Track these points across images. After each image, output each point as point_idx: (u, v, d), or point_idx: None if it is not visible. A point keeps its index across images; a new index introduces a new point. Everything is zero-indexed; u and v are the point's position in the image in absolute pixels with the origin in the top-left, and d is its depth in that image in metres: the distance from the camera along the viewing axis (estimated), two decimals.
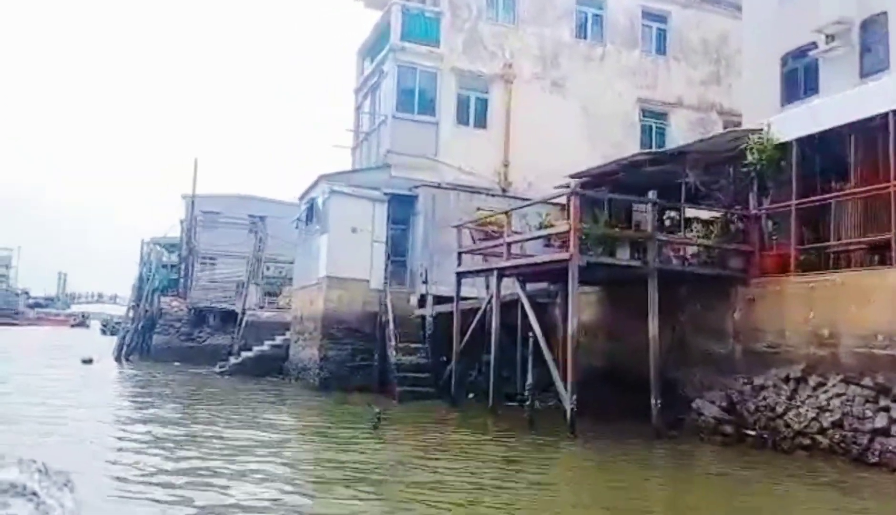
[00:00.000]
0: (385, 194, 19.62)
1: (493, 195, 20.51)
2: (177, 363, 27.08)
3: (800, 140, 12.70)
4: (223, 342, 28.27)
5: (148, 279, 31.81)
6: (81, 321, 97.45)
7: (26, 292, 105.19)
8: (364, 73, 24.36)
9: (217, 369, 23.58)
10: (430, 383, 17.29)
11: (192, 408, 15.38)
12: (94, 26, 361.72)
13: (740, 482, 9.45)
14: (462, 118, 21.26)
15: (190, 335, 28.29)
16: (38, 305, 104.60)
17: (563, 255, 12.53)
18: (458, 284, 16.77)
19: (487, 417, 14.67)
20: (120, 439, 10.66)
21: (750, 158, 13.22)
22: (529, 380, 13.26)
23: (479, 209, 19.80)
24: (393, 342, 17.82)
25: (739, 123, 24.14)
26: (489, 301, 15.82)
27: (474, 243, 19.15)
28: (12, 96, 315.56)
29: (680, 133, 23.35)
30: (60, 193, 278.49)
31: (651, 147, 23.07)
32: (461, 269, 16.67)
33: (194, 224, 31.38)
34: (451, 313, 18.07)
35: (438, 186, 19.78)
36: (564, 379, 12.75)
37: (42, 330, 70.86)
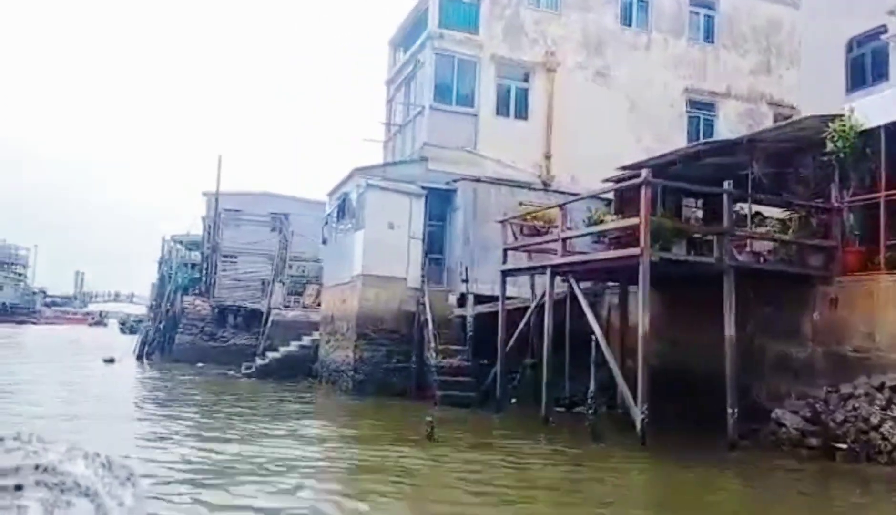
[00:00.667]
0: (422, 188, 18.62)
1: (535, 189, 19.48)
2: (199, 364, 26.21)
3: (888, 127, 11.61)
4: (247, 342, 27.38)
5: (170, 278, 30.98)
6: (99, 320, 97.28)
7: (43, 291, 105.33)
8: (396, 64, 23.40)
9: (243, 370, 22.67)
10: (472, 387, 16.28)
11: (223, 418, 14.42)
12: (113, 31, 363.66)
13: (855, 508, 8.36)
14: (502, 109, 20.24)
15: (213, 334, 27.40)
16: (55, 304, 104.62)
17: (633, 251, 11.45)
18: (504, 283, 15.76)
19: (540, 425, 13.63)
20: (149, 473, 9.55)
21: (830, 146, 12.12)
22: (592, 386, 12.17)
23: (521, 204, 18.80)
24: (432, 344, 16.81)
25: (790, 115, 22.96)
26: (541, 301, 14.78)
27: (516, 239, 18.15)
28: (32, 95, 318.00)
29: (728, 125, 22.23)
30: (78, 192, 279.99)
31: (698, 139, 21.92)
32: (507, 267, 15.64)
33: (218, 221, 30.46)
34: (493, 313, 17.08)
35: (479, 180, 18.77)
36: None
37: (60, 329, 70.44)
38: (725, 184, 12.03)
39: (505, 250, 15.78)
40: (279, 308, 26.97)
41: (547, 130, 20.42)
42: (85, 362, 27.23)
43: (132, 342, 46.69)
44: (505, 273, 15.74)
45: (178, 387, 19.49)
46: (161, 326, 28.17)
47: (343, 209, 20.17)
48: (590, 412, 12.14)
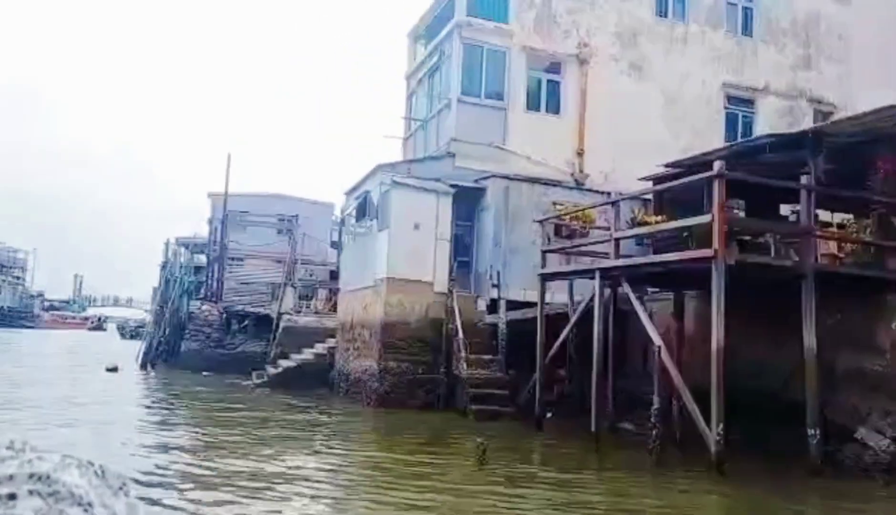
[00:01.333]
0: (450, 186, 17.42)
1: (569, 188, 18.30)
2: (206, 372, 24.96)
3: None
4: (257, 349, 26.15)
5: (175, 282, 29.74)
6: (98, 325, 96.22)
7: (42, 295, 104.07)
8: (417, 57, 22.24)
9: (254, 379, 21.42)
10: (507, 400, 15.07)
11: (239, 432, 13.18)
12: (114, 31, 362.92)
13: None
14: (533, 103, 19.07)
15: (221, 341, 26.15)
16: (53, 308, 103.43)
17: (705, 252, 10.24)
18: (543, 287, 14.54)
19: (591, 444, 12.41)
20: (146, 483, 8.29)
21: None
22: (655, 404, 10.92)
23: (555, 204, 17.61)
24: (463, 354, 15.59)
25: (831, 112, 21.83)
26: (586, 307, 13.57)
27: (549, 241, 16.99)
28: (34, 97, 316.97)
29: (767, 122, 21.06)
30: (76, 194, 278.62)
31: (737, 137, 20.82)
32: (549, 270, 14.43)
33: (226, 222, 29.23)
34: (527, 320, 15.91)
35: (510, 178, 17.56)
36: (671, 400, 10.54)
37: (59, 334, 69.20)
38: (804, 179, 10.85)
39: (544, 253, 14.57)
40: (290, 314, 25.73)
41: (579, 125, 19.24)
42: (86, 369, 25.98)
43: (133, 348, 45.50)
44: (545, 278, 14.53)
45: (185, 397, 18.25)
46: (166, 332, 26.91)
47: (364, 209, 18.95)
48: (654, 433, 10.89)
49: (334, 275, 35.02)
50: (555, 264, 16.55)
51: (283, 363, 21.95)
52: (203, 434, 12.56)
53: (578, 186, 18.68)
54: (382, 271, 16.84)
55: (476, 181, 17.93)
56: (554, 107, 19.28)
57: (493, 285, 16.89)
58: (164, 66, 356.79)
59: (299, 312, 26.26)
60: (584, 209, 15.26)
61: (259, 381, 21.06)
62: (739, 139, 20.64)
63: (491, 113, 18.60)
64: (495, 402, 14.90)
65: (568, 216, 15.38)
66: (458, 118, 18.27)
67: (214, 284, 29.21)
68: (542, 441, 12.99)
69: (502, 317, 16.11)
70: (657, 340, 11.42)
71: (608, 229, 15.97)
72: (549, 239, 17.08)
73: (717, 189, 10.16)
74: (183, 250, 37.98)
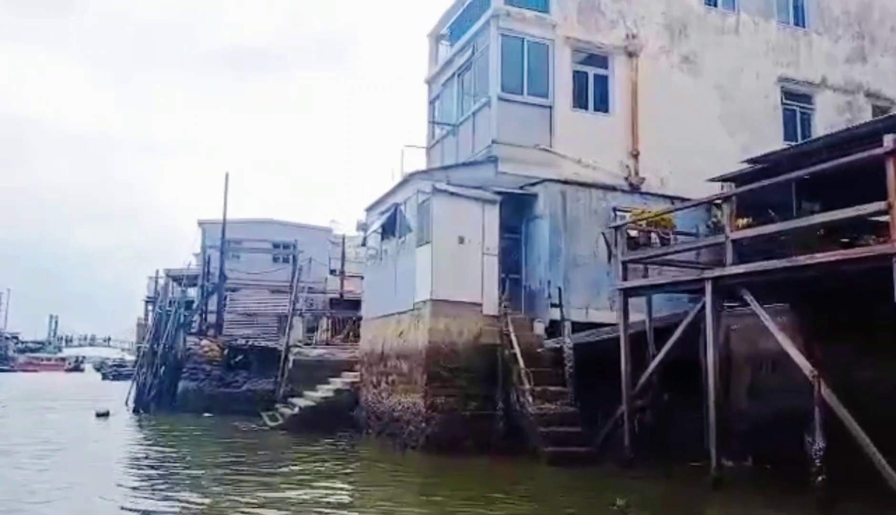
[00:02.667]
0: (497, 193, 15.28)
1: (627, 192, 16.26)
2: (208, 414, 22.40)
3: None
4: (263, 387, 23.61)
5: (167, 316, 27.14)
6: (76, 366, 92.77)
7: (16, 337, 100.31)
8: (439, 59, 20.20)
9: (269, 422, 18.92)
10: (583, 439, 12.79)
11: (277, 491, 10.74)
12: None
13: None
14: (580, 100, 17.02)
15: (223, 379, 23.58)
16: (28, 349, 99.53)
17: (882, 248, 8.11)
18: (625, 304, 12.37)
19: (707, 487, 10.21)
20: None
21: None
22: (819, 441, 8.69)
23: (615, 211, 15.55)
24: (527, 386, 13.30)
25: (889, 108, 20.08)
26: (688, 324, 11.41)
27: (611, 251, 14.92)
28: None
29: (826, 119, 19.27)
30: (49, 234, 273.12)
31: (796, 135, 19.04)
32: (632, 283, 12.27)
33: (225, 249, 26.79)
34: (599, 343, 13.76)
35: (567, 183, 15.46)
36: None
37: (35, 377, 65.59)
38: None
39: (625, 264, 12.42)
40: (299, 346, 23.29)
41: (631, 124, 17.23)
42: (72, 416, 23.27)
43: (118, 389, 42.44)
44: (627, 292, 12.36)
45: (193, 446, 15.73)
46: (160, 371, 24.28)
47: (393, 224, 16.70)
48: (815, 470, 8.66)
49: (335, 303, 32.73)
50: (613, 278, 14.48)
51: (299, 402, 19.48)
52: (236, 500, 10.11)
53: (634, 190, 16.62)
54: (425, 292, 14.56)
55: (522, 188, 15.79)
56: (602, 105, 17.27)
57: (553, 305, 14.67)
58: (139, 112, 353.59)
59: (309, 344, 23.83)
60: (662, 214, 13.18)
61: (275, 423, 18.58)
62: (800, 138, 18.86)
63: (535, 112, 16.53)
64: (571, 442, 12.60)
65: (643, 222, 13.29)
66: (500, 118, 16.17)
67: (212, 317, 26.75)
68: (659, 490, 10.71)
69: (568, 341, 13.86)
70: (805, 365, 9.21)
71: (694, 234, 13.96)
72: (610, 249, 15.06)
73: (892, 169, 8.06)
74: (173, 282, 35.46)
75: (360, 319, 26.63)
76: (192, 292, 35.19)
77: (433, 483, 11.81)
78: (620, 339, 12.30)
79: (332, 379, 20.87)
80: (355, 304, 30.58)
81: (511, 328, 14.13)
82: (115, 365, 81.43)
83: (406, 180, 15.99)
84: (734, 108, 18.46)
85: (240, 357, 23.55)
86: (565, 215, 15.07)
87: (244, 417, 21.11)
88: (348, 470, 13.18)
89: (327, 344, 23.84)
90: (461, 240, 14.73)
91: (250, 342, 23.89)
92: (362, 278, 38.64)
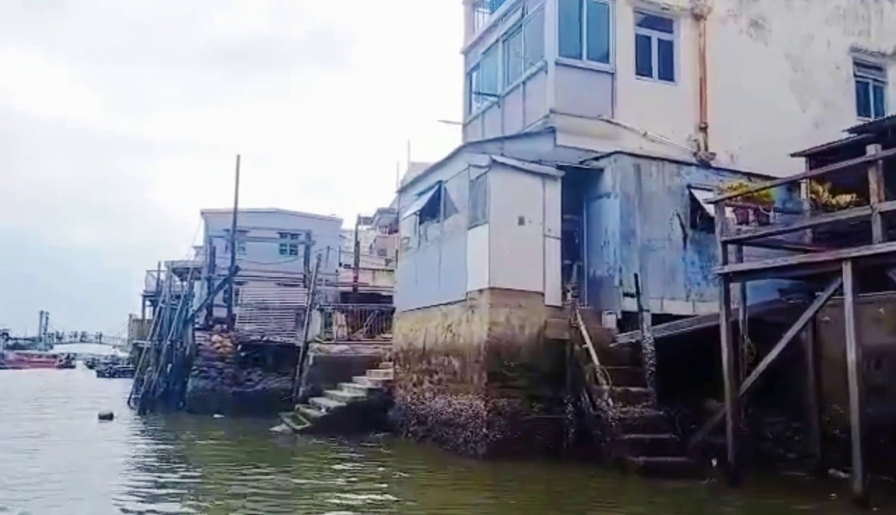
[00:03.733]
0: (559, 167, 13.56)
1: (703, 168, 14.57)
2: (218, 415, 20.61)
3: None
4: (279, 386, 21.83)
5: (172, 311, 25.32)
6: (67, 363, 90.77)
7: (5, 333, 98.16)
8: (476, 25, 18.44)
9: (293, 425, 17.14)
10: (674, 447, 11.11)
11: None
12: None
13: None
14: (643, 67, 15.28)
15: (236, 377, 21.75)
16: (18, 346, 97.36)
17: None
18: (727, 291, 10.68)
19: (856, 504, 8.57)
20: None
21: None
22: None
23: (690, 188, 13.86)
24: (605, 386, 11.60)
25: None
26: (815, 311, 9.73)
27: (684, 232, 13.30)
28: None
29: None
30: (38, 229, 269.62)
31: (869, 108, 17.45)
32: (738, 267, 10.57)
33: (235, 238, 24.90)
34: (686, 336, 12.12)
35: (641, 156, 13.75)
36: None
37: (27, 373, 63.51)
38: None
39: (724, 243, 10.71)
40: (319, 342, 21.50)
41: (700, 94, 15.51)
42: (73, 416, 21.41)
43: (114, 387, 40.51)
44: (730, 278, 10.66)
45: (215, 458, 13.92)
46: (167, 369, 22.45)
47: (435, 205, 14.95)
48: None
49: (347, 296, 30.92)
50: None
51: (325, 403, 17.74)
52: None
53: (704, 165, 14.92)
54: (480, 280, 12.81)
55: (582, 162, 14.06)
56: (667, 73, 15.53)
57: (626, 294, 12.95)
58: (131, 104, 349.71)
59: (330, 339, 22.03)
60: (762, 189, 11.48)
61: (300, 426, 16.79)
62: (873, 113, 17.25)
63: (595, 79, 14.79)
64: (663, 450, 10.91)
65: (739, 198, 11.58)
66: (557, 85, 14.43)
67: (217, 311, 24.92)
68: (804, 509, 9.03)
69: (648, 335, 12.15)
70: None
71: (795, 212, 12.29)
72: (684, 228, 13.45)
73: None
74: (174, 276, 33.62)
75: (382, 313, 25.06)
76: (196, 286, 33.53)
77: (524, 503, 10.05)
78: (721, 332, 10.60)
79: (357, 377, 19.18)
80: (368, 297, 28.94)
81: (581, 321, 12.42)
82: (108, 362, 79.52)
83: (455, 154, 14.23)
84: (805, 78, 16.79)
85: (254, 354, 21.71)
86: (640, 192, 13.34)
87: (260, 419, 19.34)
88: (408, 484, 11.43)
89: (349, 340, 22.04)
90: (521, 221, 13.00)
91: (265, 338, 22.05)
92: (374, 270, 37.31)
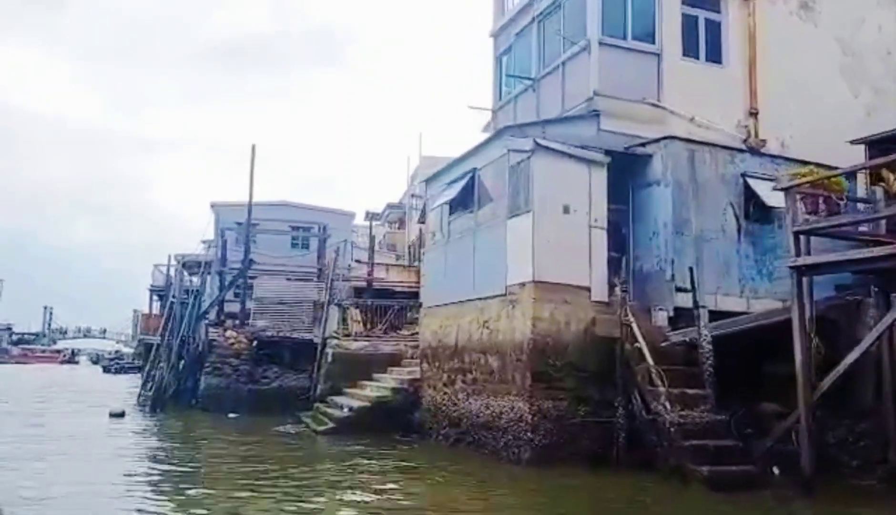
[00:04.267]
0: (606, 153, 12.68)
1: (756, 156, 13.68)
2: (233, 414, 19.76)
3: None
4: (296, 384, 21.01)
5: (182, 306, 24.47)
6: (70, 358, 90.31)
7: (9, 328, 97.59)
8: (506, 6, 17.54)
9: (315, 426, 16.31)
10: (739, 454, 10.25)
11: None
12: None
13: None
14: (690, 48, 14.40)
15: (252, 375, 20.90)
16: (22, 341, 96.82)
17: None
18: (800, 285, 9.83)
19: None
20: None
21: None
22: None
23: (744, 176, 13.00)
24: (661, 388, 10.73)
25: None
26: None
27: (738, 223, 12.47)
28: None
29: None
30: (42, 226, 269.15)
31: None
32: (818, 259, 9.71)
33: (250, 229, 24.02)
34: (733, 336, 11.28)
35: (692, 142, 12.87)
36: None
37: (32, 369, 62.81)
38: None
39: (797, 234, 9.84)
40: (337, 338, 20.65)
41: (749, 78, 14.64)
42: (83, 414, 20.63)
43: (122, 384, 39.72)
44: (803, 271, 9.79)
45: (239, 461, 13.07)
46: (179, 365, 21.62)
47: (469, 194, 14.07)
48: None
49: (359, 292, 30.06)
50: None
51: (348, 402, 16.89)
52: None
53: (754, 153, 14.02)
54: (523, 272, 11.94)
55: (628, 148, 13.19)
56: (715, 55, 14.65)
57: (679, 289, 12.08)
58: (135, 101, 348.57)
59: (348, 335, 21.18)
60: (835, 175, 10.60)
61: (323, 427, 15.95)
62: None
63: (641, 60, 13.92)
64: (729, 459, 10.04)
65: (808, 186, 10.69)
66: (601, 66, 13.55)
67: (229, 306, 24.09)
68: None
69: (706, 333, 11.27)
70: None
71: (868, 202, 11.39)
72: (738, 218, 12.62)
73: None
74: (183, 270, 32.77)
75: (401, 308, 24.22)
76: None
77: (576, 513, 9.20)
78: (795, 330, 9.75)
79: (378, 375, 18.35)
80: (381, 292, 28.01)
81: (632, 318, 11.55)
82: (113, 358, 78.86)
83: (492, 139, 13.37)
84: (856, 64, 15.90)
85: (270, 351, 20.84)
86: (695, 180, 12.46)
87: (276, 418, 18.53)
88: (450, 490, 10.58)
89: (368, 336, 21.19)
90: (566, 209, 12.12)
91: (281, 334, 21.19)
92: (388, 266, 36.36)
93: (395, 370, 18.50)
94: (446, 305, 14.94)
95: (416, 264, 34.43)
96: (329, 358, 19.83)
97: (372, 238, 29.58)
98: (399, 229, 46.88)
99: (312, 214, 34.34)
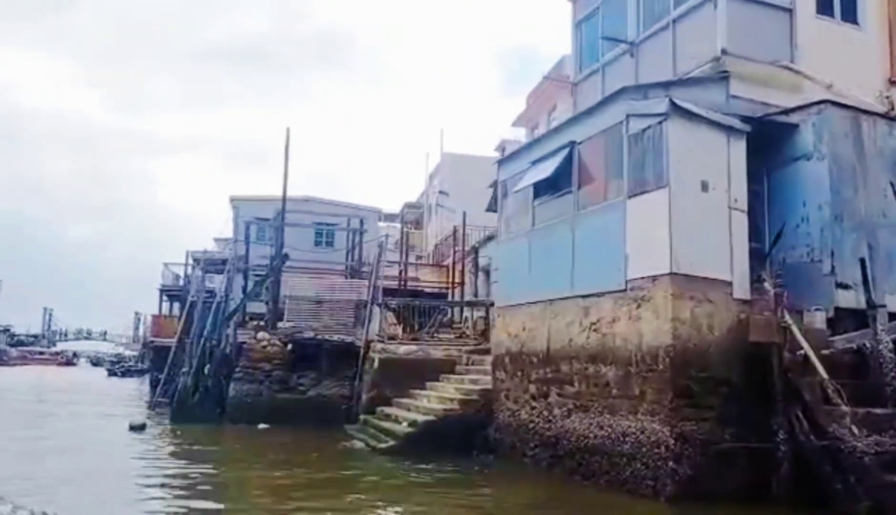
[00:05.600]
0: (744, 119, 10.51)
1: None
2: (263, 426, 17.54)
3: None
4: (336, 392, 18.79)
5: (205, 305, 22.30)
6: (68, 360, 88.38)
7: (8, 329, 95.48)
8: None
9: (372, 443, 14.09)
10: None
11: None
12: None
13: None
14: (824, 6, 12.26)
15: (286, 382, 18.66)
16: (21, 343, 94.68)
17: None
18: None
19: None
20: None
21: None
22: None
23: None
24: (843, 407, 8.56)
25: None
26: None
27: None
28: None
29: None
30: (37, 229, 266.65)
31: None
32: None
33: (284, 221, 21.75)
34: None
35: (854, 109, 10.72)
36: None
37: (30, 371, 60.55)
38: None
39: None
40: (382, 341, 18.45)
41: (889, 41, 12.51)
42: (96, 424, 18.41)
43: (129, 388, 37.52)
44: None
45: (299, 481, 10.84)
46: (203, 371, 19.38)
47: (566, 171, 11.88)
48: None
49: (391, 293, 27.89)
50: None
51: (404, 414, 14.75)
52: None
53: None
54: (656, 262, 9.74)
55: (763, 117, 11.00)
56: (850, 13, 12.51)
57: (840, 286, 9.92)
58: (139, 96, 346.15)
59: (393, 339, 18.98)
60: None
61: (382, 444, 13.72)
62: None
63: (771, 15, 11.80)
64: None
65: None
66: (730, 20, 11.39)
67: (255, 306, 21.88)
68: None
69: (887, 340, 9.09)
70: None
71: None
72: None
73: None
74: (198, 271, 30.55)
75: (442, 310, 22.07)
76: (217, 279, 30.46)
77: None
78: None
79: (431, 384, 16.27)
80: (412, 293, 25.81)
81: (791, 321, 9.38)
82: (114, 360, 76.66)
83: (605, 102, 11.14)
84: None
85: (306, 355, 18.58)
86: (861, 153, 10.30)
87: (316, 431, 16.40)
88: None
89: (415, 340, 18.98)
90: (704, 186, 9.94)
91: (319, 336, 18.94)
92: (417, 265, 34.16)
93: (450, 378, 16.40)
94: (530, 304, 12.75)
95: (444, 263, 32.43)
96: (375, 364, 17.64)
97: (406, 235, 27.39)
98: (416, 228, 44.82)
99: (337, 209, 32.10)
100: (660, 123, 9.94)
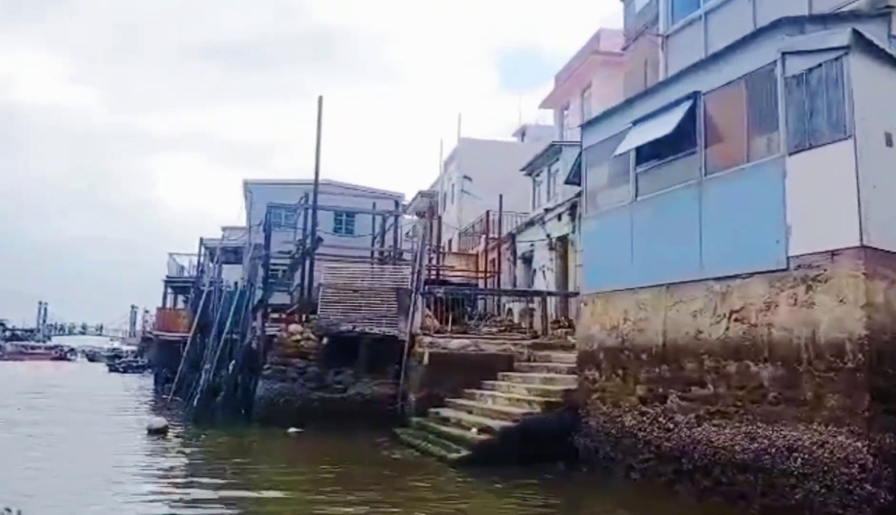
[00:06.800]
0: None
1: None
2: (296, 430, 15.51)
3: None
4: (378, 391, 16.77)
5: (223, 294, 20.25)
6: (62, 355, 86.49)
7: (3, 324, 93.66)
8: None
9: (444, 454, 12.08)
10: None
11: None
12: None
13: None
14: None
15: (322, 380, 16.62)
16: (16, 337, 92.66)
17: None
18: None
19: None
20: None
21: None
22: None
23: None
24: None
25: None
26: None
27: None
28: None
29: None
30: (33, 226, 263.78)
31: None
32: None
33: (317, 202, 19.61)
34: None
35: None
36: None
37: (30, 366, 58.39)
38: None
39: None
40: (429, 335, 16.47)
41: None
42: (106, 427, 16.34)
43: (133, 384, 35.43)
44: None
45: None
46: (227, 367, 17.33)
47: (687, 130, 9.87)
48: None
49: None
50: None
51: (471, 419, 12.80)
52: None
53: None
54: (834, 233, 7.75)
55: None
56: None
57: None
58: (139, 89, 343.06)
59: (438, 332, 16.98)
60: None
61: (454, 455, 11.70)
62: None
63: None
64: None
65: None
66: None
67: (287, 295, 19.86)
68: None
69: None
70: None
71: None
72: None
73: None
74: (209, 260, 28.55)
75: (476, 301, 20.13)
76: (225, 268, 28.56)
77: None
78: None
79: (489, 382, 14.38)
80: (438, 283, 23.87)
81: None
82: (112, 355, 74.56)
83: (753, 37, 9.08)
84: None
85: (344, 349, 16.51)
86: None
87: (358, 435, 14.43)
88: None
89: (465, 333, 16.99)
90: (889, 140, 7.95)
91: (358, 329, 16.87)
92: (443, 253, 32.16)
93: (511, 376, 14.54)
94: (634, 290, 10.75)
95: (472, 251, 30.45)
96: (423, 360, 15.67)
97: (439, 223, 25.36)
98: (423, 216, 42.98)
99: (356, 195, 30.05)
100: (837, 59, 7.92)
